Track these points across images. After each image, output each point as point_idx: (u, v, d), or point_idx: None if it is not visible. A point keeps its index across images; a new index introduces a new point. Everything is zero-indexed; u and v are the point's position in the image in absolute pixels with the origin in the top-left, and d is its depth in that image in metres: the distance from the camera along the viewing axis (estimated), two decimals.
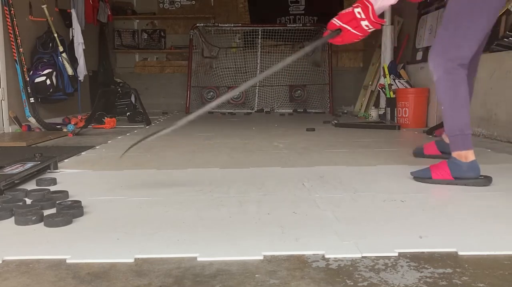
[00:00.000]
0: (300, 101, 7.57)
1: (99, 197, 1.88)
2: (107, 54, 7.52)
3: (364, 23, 1.84)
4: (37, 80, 4.70)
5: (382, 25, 1.94)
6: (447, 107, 2.09)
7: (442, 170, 2.06)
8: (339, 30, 1.87)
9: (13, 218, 1.54)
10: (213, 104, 2.08)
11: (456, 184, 2.02)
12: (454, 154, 2.07)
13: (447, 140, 2.66)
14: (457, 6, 2.04)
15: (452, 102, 2.07)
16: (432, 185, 2.05)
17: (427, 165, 2.16)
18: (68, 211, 1.56)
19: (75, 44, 5.61)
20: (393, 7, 5.62)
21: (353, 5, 1.89)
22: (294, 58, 1.98)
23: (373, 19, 1.83)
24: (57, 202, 1.66)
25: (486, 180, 2.03)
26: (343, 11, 1.90)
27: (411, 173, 2.16)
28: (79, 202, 1.65)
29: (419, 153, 2.79)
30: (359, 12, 1.84)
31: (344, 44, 1.96)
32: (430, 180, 2.07)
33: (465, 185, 2.00)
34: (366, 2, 1.85)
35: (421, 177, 2.11)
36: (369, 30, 1.87)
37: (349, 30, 1.86)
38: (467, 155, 2.04)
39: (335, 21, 1.89)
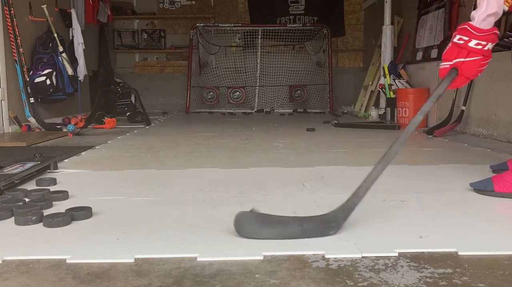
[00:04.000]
0: (300, 101, 7.57)
1: (99, 197, 1.87)
2: (107, 54, 7.53)
3: (472, 44, 1.57)
4: (37, 80, 4.70)
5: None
6: None
7: (506, 181, 1.79)
8: (455, 69, 1.59)
9: (13, 218, 1.54)
10: None
11: None
12: None
13: None
14: None
15: None
16: (432, 186, 2.04)
17: (428, 165, 2.15)
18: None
19: (75, 44, 5.61)
20: (393, 7, 5.65)
21: (451, 40, 1.63)
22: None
23: (478, 34, 1.57)
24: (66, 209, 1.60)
25: None
26: (445, 51, 1.64)
27: (471, 185, 1.89)
28: (90, 208, 1.61)
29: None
30: (460, 38, 1.60)
31: (470, 79, 1.63)
32: (492, 193, 1.80)
33: None
34: (461, 25, 1.61)
35: (481, 189, 1.85)
36: (486, 48, 1.59)
37: (463, 62, 1.58)
38: None
39: (444, 64, 1.62)
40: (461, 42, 1.60)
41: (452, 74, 1.60)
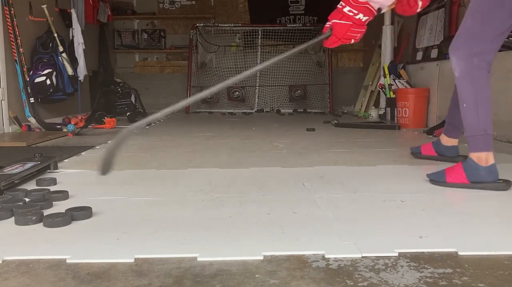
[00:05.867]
0: (300, 101, 7.57)
1: (99, 197, 1.88)
2: (107, 54, 7.52)
3: (346, 10, 1.80)
4: (37, 80, 4.70)
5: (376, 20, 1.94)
6: (470, 105, 1.95)
7: (457, 173, 1.97)
8: (331, 29, 1.86)
9: (13, 218, 1.54)
10: (215, 89, 1.97)
11: (473, 188, 1.92)
12: (473, 155, 1.96)
13: (444, 141, 2.65)
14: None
15: (476, 99, 1.94)
16: (432, 185, 2.04)
17: (429, 165, 2.16)
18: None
19: (75, 44, 5.61)
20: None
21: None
22: (290, 54, 1.98)
23: (352, 3, 1.79)
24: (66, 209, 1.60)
25: (506, 184, 1.93)
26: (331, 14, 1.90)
27: (428, 176, 2.09)
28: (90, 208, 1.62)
29: (416, 153, 2.77)
30: (340, 4, 1.83)
31: (343, 43, 1.88)
32: (445, 184, 2.00)
33: (482, 189, 1.91)
34: None
35: (436, 180, 2.05)
36: (357, 17, 1.80)
37: (337, 23, 1.82)
38: (488, 158, 1.95)
39: (327, 24, 1.88)
40: (340, 7, 1.83)
41: (327, 33, 1.85)
